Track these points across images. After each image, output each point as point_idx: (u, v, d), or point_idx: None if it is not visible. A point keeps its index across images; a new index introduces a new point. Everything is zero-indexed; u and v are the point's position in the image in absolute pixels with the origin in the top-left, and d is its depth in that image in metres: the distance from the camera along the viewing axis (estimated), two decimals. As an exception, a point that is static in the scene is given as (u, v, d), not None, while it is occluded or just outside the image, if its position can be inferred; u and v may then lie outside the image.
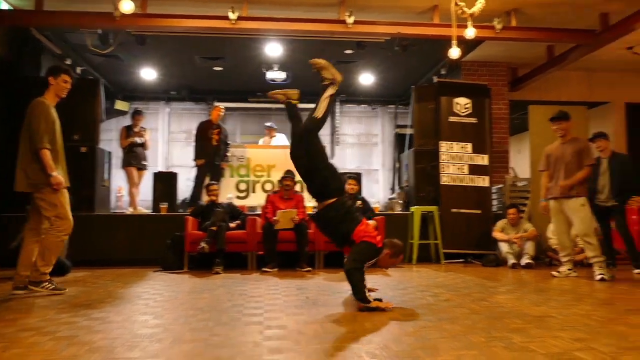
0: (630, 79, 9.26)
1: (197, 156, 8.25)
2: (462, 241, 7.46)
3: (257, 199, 8.68)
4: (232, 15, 6.52)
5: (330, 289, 4.69)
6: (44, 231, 4.49)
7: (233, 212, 7.06)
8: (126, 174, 8.29)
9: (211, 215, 6.56)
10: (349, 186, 7.13)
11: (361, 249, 3.64)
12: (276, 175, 8.31)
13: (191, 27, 6.86)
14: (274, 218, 6.52)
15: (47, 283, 4.45)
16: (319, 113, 3.87)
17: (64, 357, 2.40)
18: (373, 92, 11.52)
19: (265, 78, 9.51)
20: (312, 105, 3.93)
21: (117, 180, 9.83)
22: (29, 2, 6.67)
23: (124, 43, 7.77)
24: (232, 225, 6.74)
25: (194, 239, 6.44)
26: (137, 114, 8.52)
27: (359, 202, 7.08)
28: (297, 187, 7.17)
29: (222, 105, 9.11)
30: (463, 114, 7.80)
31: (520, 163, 10.11)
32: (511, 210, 7.12)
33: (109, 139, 10.46)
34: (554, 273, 5.66)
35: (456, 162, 7.68)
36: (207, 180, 7.92)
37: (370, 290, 3.70)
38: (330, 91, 3.92)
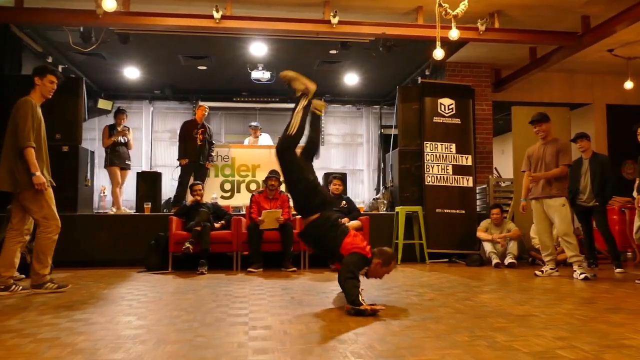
0: (611, 81, 9.40)
1: (181, 156, 8.20)
2: (447, 241, 7.51)
3: (241, 199, 8.65)
4: (217, 14, 6.48)
5: (316, 289, 4.69)
6: (27, 232, 4.48)
7: (217, 212, 7.02)
8: (109, 173, 8.20)
9: (195, 215, 6.52)
10: (334, 186, 7.15)
11: (351, 261, 3.60)
12: (261, 175, 8.30)
13: (175, 26, 6.80)
14: (259, 218, 6.51)
15: (49, 283, 4.52)
16: (293, 130, 3.78)
17: (46, 359, 2.37)
18: (358, 92, 11.54)
19: (250, 78, 9.47)
20: (292, 105, 3.88)
21: (100, 180, 9.73)
22: (9, -1, 6.57)
23: (106, 41, 7.68)
24: (216, 225, 6.72)
25: (178, 239, 6.39)
26: (120, 113, 8.42)
27: (344, 202, 7.09)
28: (282, 187, 7.16)
29: (206, 104, 9.06)
30: (447, 115, 7.85)
31: (504, 163, 10.21)
32: (495, 211, 7.19)
33: (92, 138, 10.35)
34: (537, 272, 5.72)
35: (440, 162, 7.72)
36: (191, 180, 7.88)
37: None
38: (303, 102, 3.84)
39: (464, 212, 7.64)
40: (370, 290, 4.45)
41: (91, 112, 9.99)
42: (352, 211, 7.01)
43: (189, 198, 7.31)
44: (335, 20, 6.62)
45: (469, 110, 8.02)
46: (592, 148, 6.57)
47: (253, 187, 8.80)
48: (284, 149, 3.86)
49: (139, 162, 11.06)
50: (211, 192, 8.37)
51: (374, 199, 9.68)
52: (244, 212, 7.39)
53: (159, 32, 7.40)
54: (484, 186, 8.35)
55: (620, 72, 8.64)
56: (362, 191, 12.16)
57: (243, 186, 8.91)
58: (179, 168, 8.25)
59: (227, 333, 2.88)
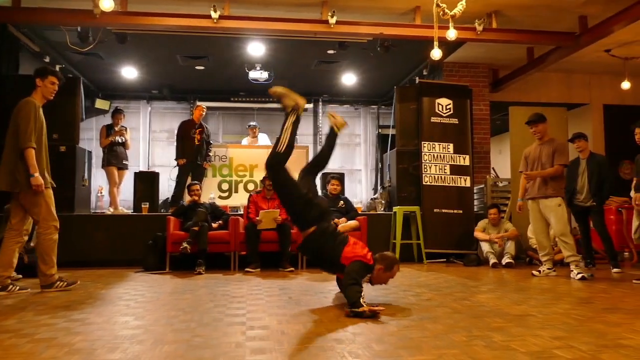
0: (608, 81, 9.42)
1: (179, 156, 8.20)
2: (444, 241, 7.51)
3: (239, 199, 8.65)
4: (214, 14, 6.48)
5: (313, 289, 4.69)
6: (26, 232, 4.51)
7: (215, 212, 7.02)
8: (107, 173, 8.18)
9: (193, 215, 6.51)
10: (332, 186, 7.15)
11: (353, 270, 3.57)
12: (258, 175, 8.30)
13: (172, 26, 6.79)
14: (257, 218, 6.50)
15: (58, 282, 4.55)
16: (282, 147, 3.72)
17: (43, 359, 2.36)
18: (356, 92, 11.55)
19: (248, 78, 9.47)
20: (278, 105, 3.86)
21: (98, 180, 9.72)
22: (7, -2, 6.56)
23: (104, 41, 7.67)
24: (214, 225, 6.71)
25: (176, 239, 6.38)
26: (117, 113, 8.40)
27: (341, 202, 7.09)
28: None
29: (204, 104, 9.05)
30: (445, 115, 7.85)
31: (501, 164, 10.23)
32: (492, 210, 7.19)
33: (89, 138, 10.35)
34: (534, 272, 5.73)
35: (438, 162, 7.73)
36: (189, 180, 7.87)
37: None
38: (292, 118, 3.79)
39: (461, 212, 7.65)
40: (367, 290, 4.43)
41: (89, 112, 9.98)
42: (349, 211, 7.02)
43: (187, 198, 7.30)
44: (333, 20, 6.62)
45: (467, 110, 8.02)
46: (590, 148, 6.59)
47: (251, 187, 8.80)
48: (274, 164, 3.80)
49: (137, 162, 11.04)
50: (209, 192, 8.37)
51: (371, 198, 9.68)
52: (242, 212, 7.38)
53: (157, 32, 7.39)
54: (481, 186, 8.37)
55: (617, 73, 8.65)
56: (359, 191, 12.17)
57: (241, 186, 8.91)
58: (177, 168, 8.24)
59: (225, 333, 2.88)
